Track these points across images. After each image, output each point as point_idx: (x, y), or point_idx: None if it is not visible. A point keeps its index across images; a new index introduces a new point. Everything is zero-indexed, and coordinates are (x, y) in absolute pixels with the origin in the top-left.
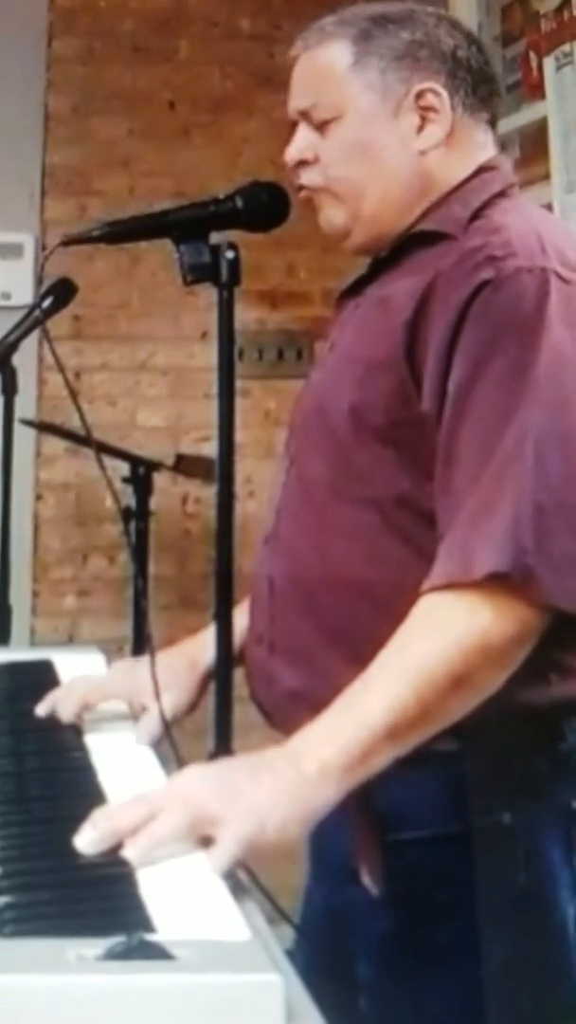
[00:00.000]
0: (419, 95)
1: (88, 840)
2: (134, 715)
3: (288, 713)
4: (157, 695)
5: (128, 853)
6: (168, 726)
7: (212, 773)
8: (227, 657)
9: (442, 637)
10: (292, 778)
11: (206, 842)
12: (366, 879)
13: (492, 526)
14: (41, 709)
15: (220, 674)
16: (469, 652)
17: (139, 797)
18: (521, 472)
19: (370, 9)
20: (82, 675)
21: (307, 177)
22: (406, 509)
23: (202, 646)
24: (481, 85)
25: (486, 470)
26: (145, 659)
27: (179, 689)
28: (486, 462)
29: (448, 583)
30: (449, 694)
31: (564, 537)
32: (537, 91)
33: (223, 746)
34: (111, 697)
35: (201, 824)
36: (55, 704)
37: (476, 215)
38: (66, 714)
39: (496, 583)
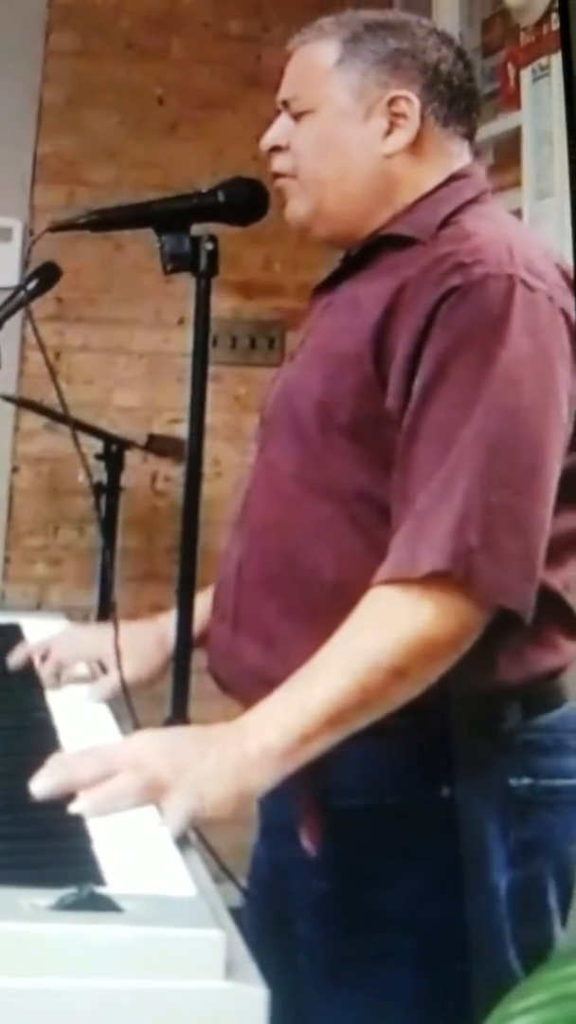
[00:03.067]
0: (392, 101)
1: (42, 787)
2: (94, 676)
3: (248, 687)
4: (118, 662)
5: (81, 804)
6: (127, 691)
7: (164, 741)
8: (187, 628)
9: (386, 631)
10: (235, 757)
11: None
12: (305, 841)
13: (440, 524)
14: (14, 660)
15: (179, 644)
16: (411, 646)
17: (96, 750)
18: (472, 473)
19: (369, 15)
20: (59, 632)
21: (279, 163)
22: (366, 503)
23: (172, 623)
24: (459, 100)
25: (440, 469)
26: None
27: (141, 660)
28: (440, 461)
29: (395, 578)
30: (390, 685)
31: (508, 537)
32: (513, 101)
33: (179, 714)
34: (83, 658)
35: (151, 790)
36: (32, 657)
37: (446, 222)
38: (45, 675)
39: (440, 580)
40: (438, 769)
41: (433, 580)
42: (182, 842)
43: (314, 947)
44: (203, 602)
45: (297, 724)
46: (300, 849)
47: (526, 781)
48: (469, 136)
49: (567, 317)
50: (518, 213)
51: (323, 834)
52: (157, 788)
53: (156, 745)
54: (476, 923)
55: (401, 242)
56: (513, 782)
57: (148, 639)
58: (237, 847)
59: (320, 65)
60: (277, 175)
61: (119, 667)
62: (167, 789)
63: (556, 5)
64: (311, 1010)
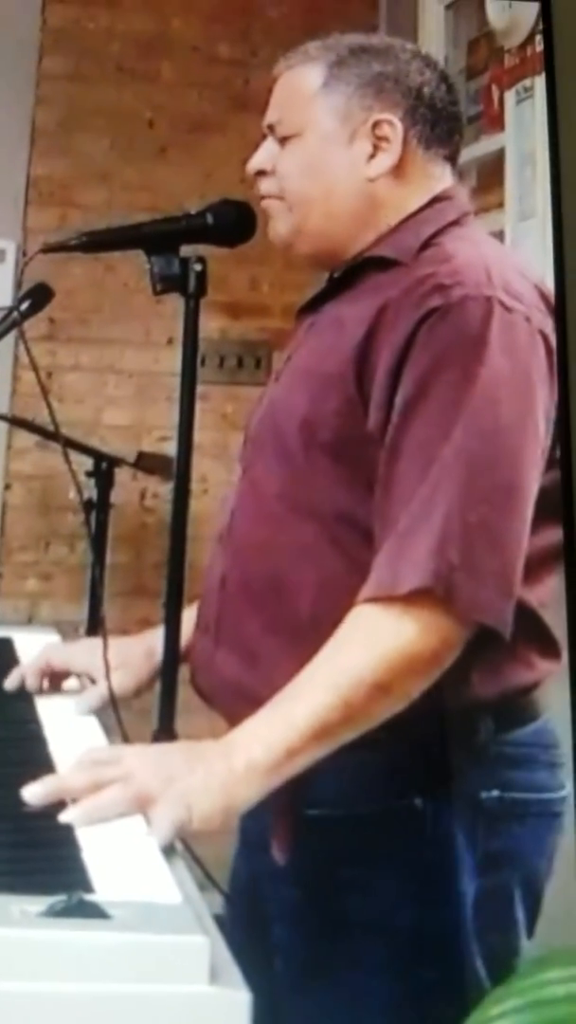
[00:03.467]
0: (376, 124)
1: (34, 792)
2: (83, 689)
3: (228, 700)
4: (107, 674)
5: (72, 813)
6: (116, 704)
7: (153, 755)
8: (174, 642)
9: (369, 647)
10: (222, 771)
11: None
12: (275, 850)
13: (421, 543)
14: (10, 683)
15: (167, 658)
16: (394, 662)
17: (90, 762)
18: (452, 491)
19: (353, 39)
20: (50, 643)
21: (265, 186)
22: (347, 524)
23: (161, 638)
24: (442, 123)
25: (421, 487)
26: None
27: (128, 672)
28: (421, 478)
29: (377, 596)
30: (374, 700)
31: (486, 555)
32: (496, 123)
33: (166, 727)
34: (73, 669)
35: (139, 801)
36: (24, 674)
37: (427, 243)
38: (31, 682)
39: (421, 597)
40: (411, 779)
41: (415, 597)
42: (168, 851)
43: (289, 952)
44: (191, 617)
45: (283, 739)
46: (275, 858)
47: (496, 794)
48: (452, 158)
49: (545, 338)
50: (500, 234)
51: (296, 843)
52: (145, 799)
53: (145, 758)
54: (444, 931)
55: (384, 263)
56: (483, 794)
57: (136, 651)
58: (222, 857)
59: (305, 89)
60: (264, 197)
61: (108, 679)
62: (155, 800)
63: (540, 27)
64: (287, 1013)
